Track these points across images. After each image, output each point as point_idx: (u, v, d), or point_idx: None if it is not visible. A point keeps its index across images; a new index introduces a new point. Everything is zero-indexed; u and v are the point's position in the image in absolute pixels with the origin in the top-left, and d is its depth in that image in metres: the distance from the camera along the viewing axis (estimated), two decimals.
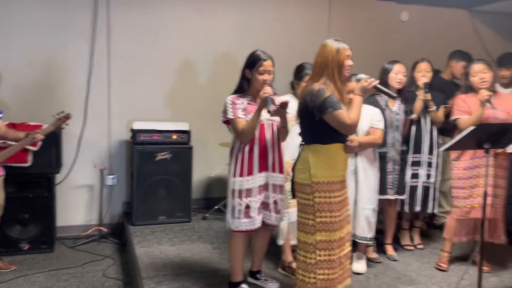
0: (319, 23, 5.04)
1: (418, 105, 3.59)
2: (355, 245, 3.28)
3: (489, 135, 2.77)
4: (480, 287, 2.82)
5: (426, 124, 3.69)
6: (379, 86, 2.65)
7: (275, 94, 2.81)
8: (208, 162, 4.76)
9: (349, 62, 2.50)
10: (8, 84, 4.11)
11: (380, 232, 3.72)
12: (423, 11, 5.37)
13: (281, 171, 2.83)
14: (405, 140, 3.65)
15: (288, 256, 3.24)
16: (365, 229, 3.27)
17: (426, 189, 3.70)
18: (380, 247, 3.66)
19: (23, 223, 3.92)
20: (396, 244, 3.80)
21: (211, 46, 4.73)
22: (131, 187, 4.32)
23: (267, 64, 2.73)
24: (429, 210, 3.76)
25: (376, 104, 3.41)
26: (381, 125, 3.28)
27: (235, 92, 2.83)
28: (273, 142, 2.79)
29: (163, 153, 4.28)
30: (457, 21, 5.50)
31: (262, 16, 4.88)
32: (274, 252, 3.32)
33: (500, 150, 3.19)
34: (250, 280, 3.05)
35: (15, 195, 3.80)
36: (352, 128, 2.49)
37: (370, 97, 3.31)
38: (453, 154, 3.39)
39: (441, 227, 3.93)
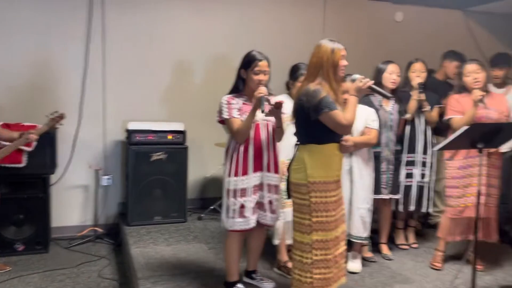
0: (314, 23, 5.05)
1: (412, 105, 3.62)
2: (350, 245, 3.30)
3: (482, 135, 2.79)
4: (474, 286, 2.84)
5: (420, 124, 3.71)
6: (373, 86, 2.66)
7: (271, 94, 2.82)
8: (204, 162, 4.76)
9: (344, 62, 2.51)
10: (2, 84, 4.10)
11: (375, 232, 3.73)
12: (418, 12, 5.40)
13: (276, 171, 2.84)
14: (399, 140, 3.67)
15: (283, 256, 3.25)
16: (360, 229, 3.28)
17: (420, 189, 3.72)
18: (375, 247, 3.68)
19: (18, 224, 3.90)
20: (391, 244, 3.82)
21: (206, 46, 4.73)
22: (127, 188, 4.32)
23: (262, 64, 2.74)
24: (424, 210, 3.78)
25: (370, 104, 3.43)
26: (376, 125, 3.29)
27: (231, 92, 2.84)
28: (268, 142, 2.80)
29: (158, 153, 4.27)
30: (451, 21, 5.53)
31: (257, 16, 4.88)
32: (269, 251, 3.32)
33: (493, 150, 3.22)
34: (246, 279, 3.06)
35: (9, 196, 3.79)
36: (348, 128, 2.50)
37: (364, 97, 3.33)
38: (447, 154, 3.42)
39: (435, 227, 3.95)
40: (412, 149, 3.69)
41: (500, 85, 4.01)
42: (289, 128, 2.85)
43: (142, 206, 4.25)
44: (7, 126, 3.77)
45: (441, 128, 3.72)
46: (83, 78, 4.39)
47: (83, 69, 4.38)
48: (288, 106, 2.83)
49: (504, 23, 5.67)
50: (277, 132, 2.84)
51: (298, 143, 2.59)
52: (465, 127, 2.75)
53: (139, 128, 4.28)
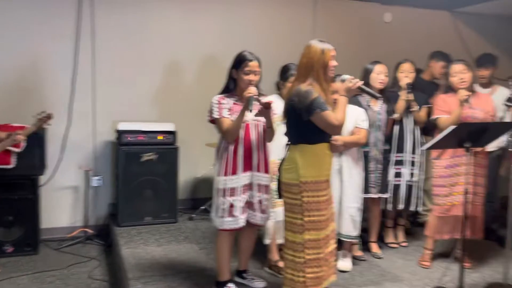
0: (304, 24, 5.08)
1: (400, 105, 3.66)
2: (340, 244, 3.33)
3: (469, 134, 2.83)
4: (462, 283, 2.88)
5: (408, 124, 3.75)
6: (363, 86, 2.70)
7: (262, 94, 2.84)
8: (195, 163, 4.76)
9: (333, 63, 2.54)
10: None
11: (365, 230, 3.77)
12: (406, 12, 5.45)
13: (266, 171, 2.86)
14: (388, 139, 3.70)
15: (274, 255, 3.26)
16: (350, 228, 3.31)
17: (409, 188, 3.76)
18: (365, 245, 3.71)
19: (7, 226, 3.87)
20: (380, 242, 3.85)
21: (197, 46, 4.73)
22: (117, 188, 4.30)
23: (252, 64, 2.75)
24: (413, 208, 3.82)
25: (358, 104, 3.46)
26: (365, 125, 3.32)
27: (222, 92, 2.86)
28: (258, 142, 2.81)
29: (149, 154, 4.26)
30: (439, 22, 5.59)
31: (248, 17, 4.90)
32: (260, 251, 3.34)
33: (479, 149, 3.27)
34: (237, 279, 3.07)
35: None
36: (339, 128, 2.53)
37: (353, 97, 3.37)
38: (434, 153, 3.46)
39: (424, 225, 3.99)
40: (401, 149, 3.73)
41: (486, 85, 4.06)
42: (280, 128, 2.86)
43: (132, 206, 4.24)
44: None
45: (429, 127, 3.77)
46: (72, 78, 4.36)
47: (73, 69, 4.36)
48: (278, 106, 2.86)
49: (491, 24, 5.75)
50: (268, 132, 2.85)
51: (289, 143, 2.61)
52: (452, 127, 2.79)
53: (129, 129, 4.27)
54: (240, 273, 3.09)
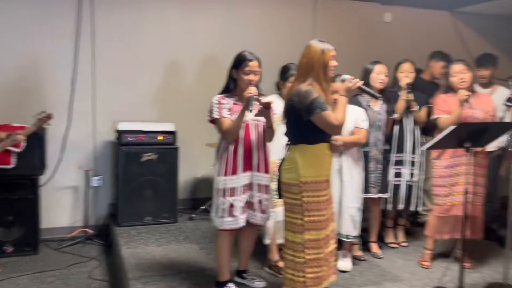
0: (304, 24, 5.08)
1: (400, 105, 3.66)
2: (340, 243, 3.33)
3: (469, 134, 2.83)
4: (462, 283, 2.88)
5: (409, 124, 3.75)
6: (363, 86, 2.70)
7: (262, 94, 2.84)
8: (194, 163, 4.76)
9: (333, 63, 2.54)
10: None
11: (365, 231, 3.77)
12: (406, 12, 5.45)
13: (266, 171, 2.86)
14: (388, 139, 3.71)
15: (274, 255, 3.26)
16: (350, 228, 3.31)
17: (409, 188, 3.76)
18: (365, 245, 3.71)
19: (7, 226, 3.87)
20: (380, 242, 3.85)
21: (197, 47, 4.74)
22: (117, 188, 4.30)
23: (252, 64, 2.75)
24: (413, 208, 3.82)
25: (358, 104, 3.46)
26: (365, 125, 3.32)
27: (222, 92, 2.86)
28: (258, 142, 2.81)
29: (149, 154, 4.27)
30: (439, 22, 5.59)
31: (248, 17, 4.90)
32: (260, 251, 3.34)
33: (479, 149, 3.26)
34: (237, 279, 3.07)
35: None
36: (339, 128, 2.53)
37: (353, 97, 3.37)
38: (434, 153, 3.46)
39: (424, 225, 3.99)
40: (401, 149, 3.73)
41: (486, 85, 4.06)
42: (280, 128, 2.86)
43: (132, 206, 4.24)
44: None
45: (429, 127, 3.77)
46: (72, 78, 4.37)
47: (73, 69, 4.36)
48: (278, 106, 2.86)
49: (491, 24, 5.75)
50: (268, 133, 2.85)
51: (289, 143, 2.61)
52: (452, 127, 2.79)
53: (129, 129, 4.27)
54: (240, 273, 3.09)
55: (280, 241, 3.17)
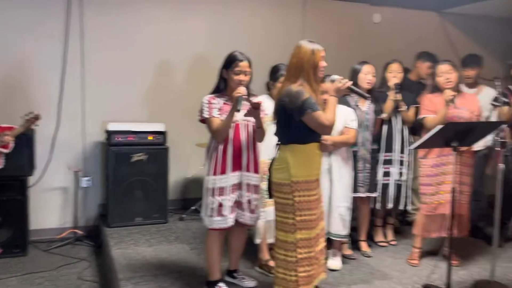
0: (294, 24, 5.10)
1: (389, 105, 3.69)
2: (330, 242, 3.35)
3: (456, 134, 2.87)
4: (449, 280, 2.92)
5: (397, 124, 3.79)
6: (352, 87, 2.73)
7: (253, 95, 2.85)
8: (185, 163, 4.75)
9: (323, 64, 2.56)
10: None
11: (354, 229, 3.80)
12: (395, 13, 5.50)
13: (256, 171, 2.87)
14: (377, 139, 3.74)
15: (265, 255, 3.28)
16: (340, 227, 3.34)
17: (398, 187, 3.80)
18: (354, 244, 3.74)
19: None
20: (370, 241, 3.89)
21: (187, 47, 4.73)
22: (107, 189, 4.28)
23: (243, 65, 2.77)
24: (401, 207, 3.86)
25: (346, 104, 3.49)
26: (354, 124, 3.35)
27: (213, 92, 2.87)
28: (248, 142, 2.83)
29: (139, 154, 4.25)
30: (427, 22, 5.65)
31: (238, 17, 4.90)
32: (250, 250, 3.35)
33: (465, 148, 3.30)
34: (228, 279, 3.08)
35: None
36: (330, 128, 2.56)
37: (341, 97, 3.40)
38: (421, 152, 3.51)
39: (413, 224, 4.04)
40: (389, 148, 3.77)
41: (472, 85, 4.12)
42: (270, 128, 2.88)
43: (122, 207, 4.23)
44: None
45: (417, 127, 3.81)
46: (61, 78, 4.34)
47: (61, 69, 4.33)
48: (269, 107, 2.87)
49: (478, 25, 5.82)
50: (258, 133, 2.86)
51: (279, 143, 2.63)
52: (440, 126, 2.82)
53: (119, 129, 4.26)
54: (230, 272, 3.10)
55: (270, 240, 3.19)
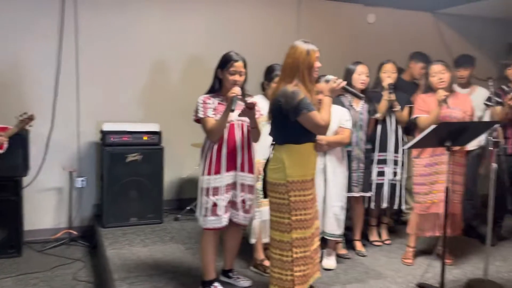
0: (288, 24, 5.11)
1: (383, 105, 3.71)
2: (325, 242, 3.37)
3: (449, 133, 2.89)
4: (443, 279, 2.94)
5: (391, 124, 3.81)
6: (347, 87, 2.74)
7: (248, 95, 2.86)
8: (180, 163, 4.75)
9: (318, 64, 2.57)
10: None
11: (349, 229, 3.82)
12: (389, 14, 5.52)
13: (250, 171, 2.87)
14: (371, 139, 3.76)
15: (260, 254, 3.28)
16: (334, 226, 3.35)
17: (392, 187, 3.82)
18: (349, 243, 3.76)
19: None
20: (364, 240, 3.91)
21: (182, 47, 4.73)
22: (102, 189, 4.28)
23: (238, 65, 2.77)
24: (396, 207, 3.88)
25: (340, 104, 3.50)
26: (349, 124, 3.37)
27: (208, 92, 2.87)
28: (242, 142, 2.83)
29: (133, 155, 4.25)
30: (421, 23, 5.68)
31: (233, 17, 4.91)
32: (246, 250, 3.35)
33: (457, 148, 3.32)
34: (223, 278, 3.08)
35: None
36: (325, 128, 2.57)
37: (335, 97, 3.41)
38: (414, 152, 3.53)
39: (407, 223, 4.06)
40: (383, 148, 3.79)
41: (465, 85, 4.15)
42: (265, 129, 2.89)
43: (117, 207, 4.22)
44: None
45: (411, 127, 3.83)
46: (56, 78, 4.33)
47: (56, 69, 4.32)
48: (264, 107, 2.88)
49: (471, 25, 5.86)
50: (253, 133, 2.87)
51: (274, 143, 2.63)
52: (433, 126, 2.84)
53: (114, 129, 4.25)
54: (225, 272, 3.11)
55: (265, 240, 3.19)
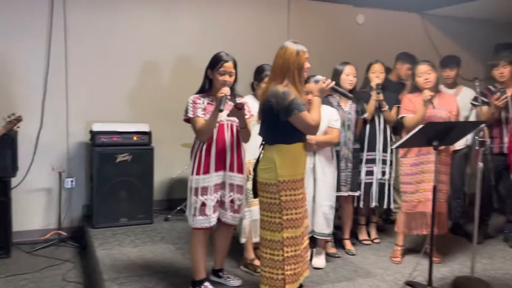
0: (278, 25, 5.13)
1: (371, 105, 3.75)
2: (314, 241, 3.39)
3: (436, 133, 2.93)
4: (431, 277, 2.98)
5: (380, 123, 3.84)
6: (336, 87, 2.77)
7: (239, 96, 2.87)
8: (170, 163, 4.75)
9: (307, 65, 2.59)
10: None
11: (338, 228, 3.85)
12: (379, 14, 5.57)
13: (239, 171, 2.88)
14: (360, 138, 3.79)
15: (250, 254, 3.30)
16: (324, 225, 3.37)
17: (381, 186, 3.86)
18: (338, 242, 3.79)
19: None
20: (354, 239, 3.94)
21: (172, 47, 4.73)
22: (91, 190, 4.26)
23: (227, 65, 2.78)
24: (385, 206, 3.92)
25: (328, 104, 3.53)
26: (338, 124, 3.40)
27: (198, 92, 2.88)
28: (232, 142, 2.84)
29: (123, 155, 4.24)
30: (409, 24, 5.75)
31: (223, 18, 4.91)
32: (236, 250, 3.37)
33: (442, 147, 3.37)
34: (213, 278, 3.09)
35: None
36: (316, 128, 2.59)
37: (324, 97, 3.44)
38: (401, 152, 3.57)
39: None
40: (372, 148, 3.82)
41: (451, 85, 4.21)
42: (255, 129, 2.90)
43: (107, 208, 4.21)
44: None
45: (399, 127, 3.87)
46: (45, 78, 4.30)
47: (45, 69, 4.29)
48: (254, 107, 2.89)
49: (457, 26, 5.94)
50: (242, 133, 2.88)
51: (264, 143, 2.65)
52: (420, 126, 2.88)
53: (103, 130, 4.24)
54: (216, 272, 3.12)
55: (256, 240, 3.21)
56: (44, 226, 4.35)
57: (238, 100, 2.83)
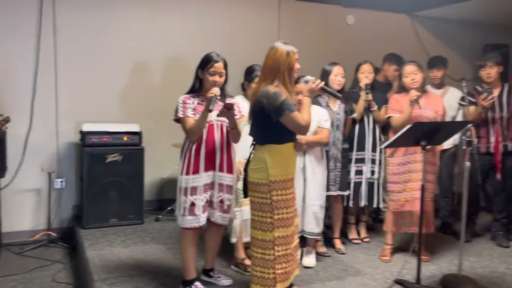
0: (269, 25, 5.15)
1: (360, 105, 3.78)
2: (304, 240, 3.41)
3: (424, 133, 2.97)
4: (419, 275, 3.02)
5: (369, 123, 3.88)
6: (325, 87, 2.79)
7: (230, 96, 2.88)
8: (160, 163, 4.74)
9: (297, 66, 2.61)
10: None
11: (328, 227, 3.88)
12: (368, 15, 5.62)
13: (229, 171, 2.89)
14: (348, 138, 3.82)
15: (240, 253, 3.31)
16: (314, 225, 3.39)
17: (370, 185, 3.89)
18: (328, 242, 3.81)
19: None
20: (343, 238, 3.97)
21: (162, 47, 4.73)
22: (81, 190, 4.24)
23: (218, 66, 2.79)
24: (374, 205, 3.96)
25: (317, 104, 3.55)
26: (327, 124, 3.42)
27: (188, 92, 2.89)
28: (222, 143, 2.85)
29: (113, 155, 4.23)
30: (399, 24, 5.80)
31: (213, 18, 4.92)
32: (226, 249, 3.38)
33: (429, 147, 3.41)
34: (204, 278, 3.10)
35: None
36: (306, 128, 2.61)
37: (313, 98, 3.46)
38: (388, 151, 3.61)
39: None
40: (361, 147, 3.86)
41: (438, 85, 4.25)
42: (246, 129, 2.91)
43: (97, 208, 4.19)
44: None
45: (388, 126, 3.91)
46: (34, 78, 4.27)
47: (34, 69, 4.27)
48: (244, 107, 2.90)
49: (446, 27, 6.01)
50: (232, 133, 2.88)
51: (255, 143, 2.66)
52: (408, 126, 2.91)
53: (93, 130, 4.23)
54: (206, 271, 3.13)
55: (246, 239, 3.22)
56: (33, 227, 4.32)
57: (228, 100, 2.84)
